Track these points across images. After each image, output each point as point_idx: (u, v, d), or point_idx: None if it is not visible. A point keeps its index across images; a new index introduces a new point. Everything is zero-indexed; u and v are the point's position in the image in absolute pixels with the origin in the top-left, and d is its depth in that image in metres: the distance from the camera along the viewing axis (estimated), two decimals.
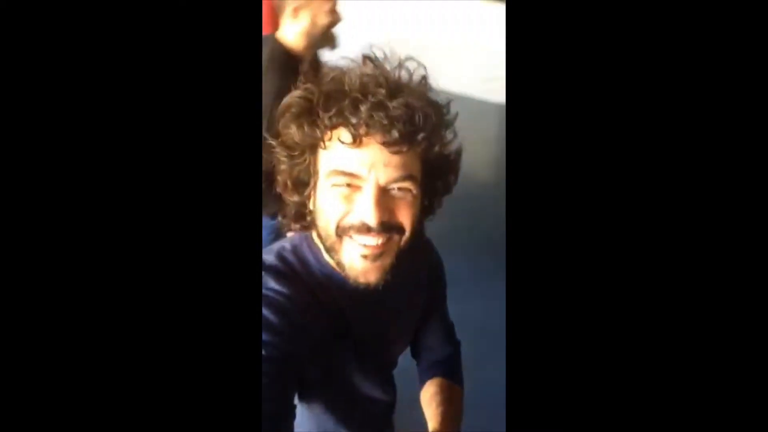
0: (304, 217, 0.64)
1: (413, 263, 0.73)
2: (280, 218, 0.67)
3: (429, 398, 0.80)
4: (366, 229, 0.56)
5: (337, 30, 1.27)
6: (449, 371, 0.85)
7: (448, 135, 0.61)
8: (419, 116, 0.55)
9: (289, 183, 0.62)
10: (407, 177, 0.56)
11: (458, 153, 0.63)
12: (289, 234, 0.72)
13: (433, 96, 0.59)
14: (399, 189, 0.57)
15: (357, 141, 0.54)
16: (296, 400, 0.63)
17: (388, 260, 0.60)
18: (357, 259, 0.58)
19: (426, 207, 0.65)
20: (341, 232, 0.57)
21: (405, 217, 0.58)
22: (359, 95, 0.54)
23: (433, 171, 0.62)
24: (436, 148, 0.59)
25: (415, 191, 0.58)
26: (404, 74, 0.58)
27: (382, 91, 0.54)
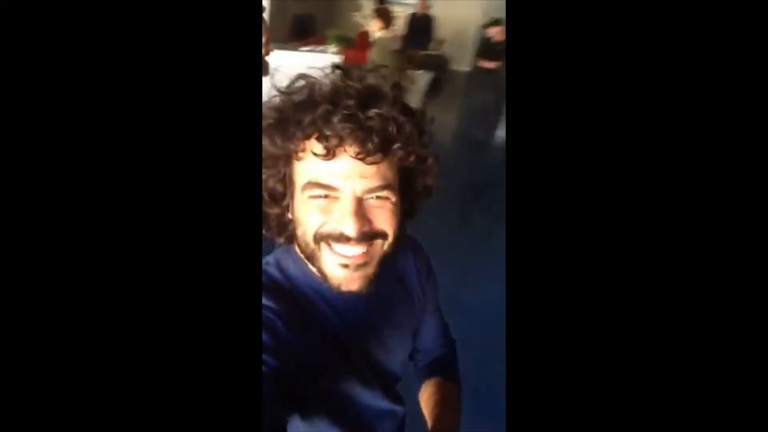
0: (286, 228, 0.63)
1: (399, 266, 0.73)
2: (264, 232, 0.64)
3: (426, 398, 0.80)
4: (345, 239, 0.54)
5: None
6: (446, 370, 0.84)
7: (425, 140, 0.60)
8: (393, 126, 0.54)
9: (265, 195, 0.60)
10: (384, 186, 0.55)
11: (436, 158, 0.62)
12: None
13: (407, 102, 0.58)
14: (377, 198, 0.56)
15: (330, 153, 0.53)
16: (291, 417, 0.60)
17: (371, 269, 0.58)
18: (336, 269, 0.57)
19: (407, 210, 0.65)
20: (319, 238, 0.56)
21: (385, 225, 0.57)
22: (330, 106, 0.53)
23: (411, 177, 0.61)
24: (412, 157, 0.58)
25: (393, 199, 0.57)
26: (377, 82, 0.57)
27: (352, 102, 0.53)
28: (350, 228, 0.54)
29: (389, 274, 0.66)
